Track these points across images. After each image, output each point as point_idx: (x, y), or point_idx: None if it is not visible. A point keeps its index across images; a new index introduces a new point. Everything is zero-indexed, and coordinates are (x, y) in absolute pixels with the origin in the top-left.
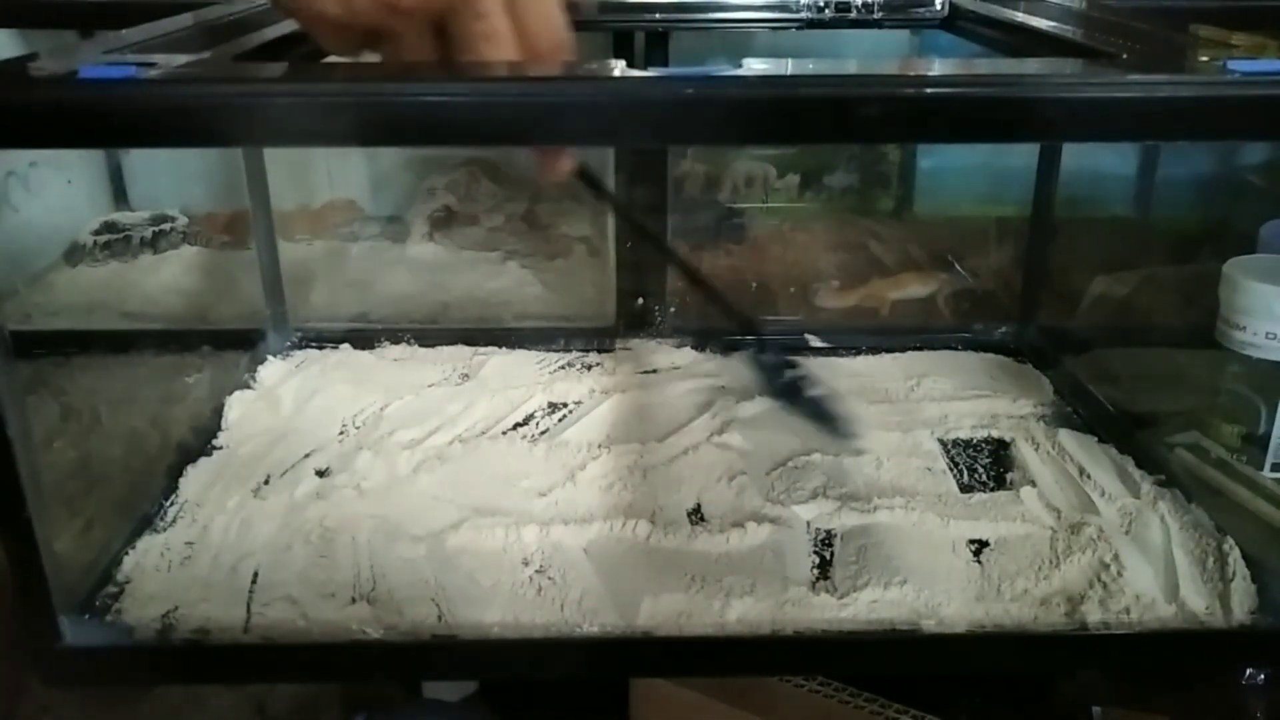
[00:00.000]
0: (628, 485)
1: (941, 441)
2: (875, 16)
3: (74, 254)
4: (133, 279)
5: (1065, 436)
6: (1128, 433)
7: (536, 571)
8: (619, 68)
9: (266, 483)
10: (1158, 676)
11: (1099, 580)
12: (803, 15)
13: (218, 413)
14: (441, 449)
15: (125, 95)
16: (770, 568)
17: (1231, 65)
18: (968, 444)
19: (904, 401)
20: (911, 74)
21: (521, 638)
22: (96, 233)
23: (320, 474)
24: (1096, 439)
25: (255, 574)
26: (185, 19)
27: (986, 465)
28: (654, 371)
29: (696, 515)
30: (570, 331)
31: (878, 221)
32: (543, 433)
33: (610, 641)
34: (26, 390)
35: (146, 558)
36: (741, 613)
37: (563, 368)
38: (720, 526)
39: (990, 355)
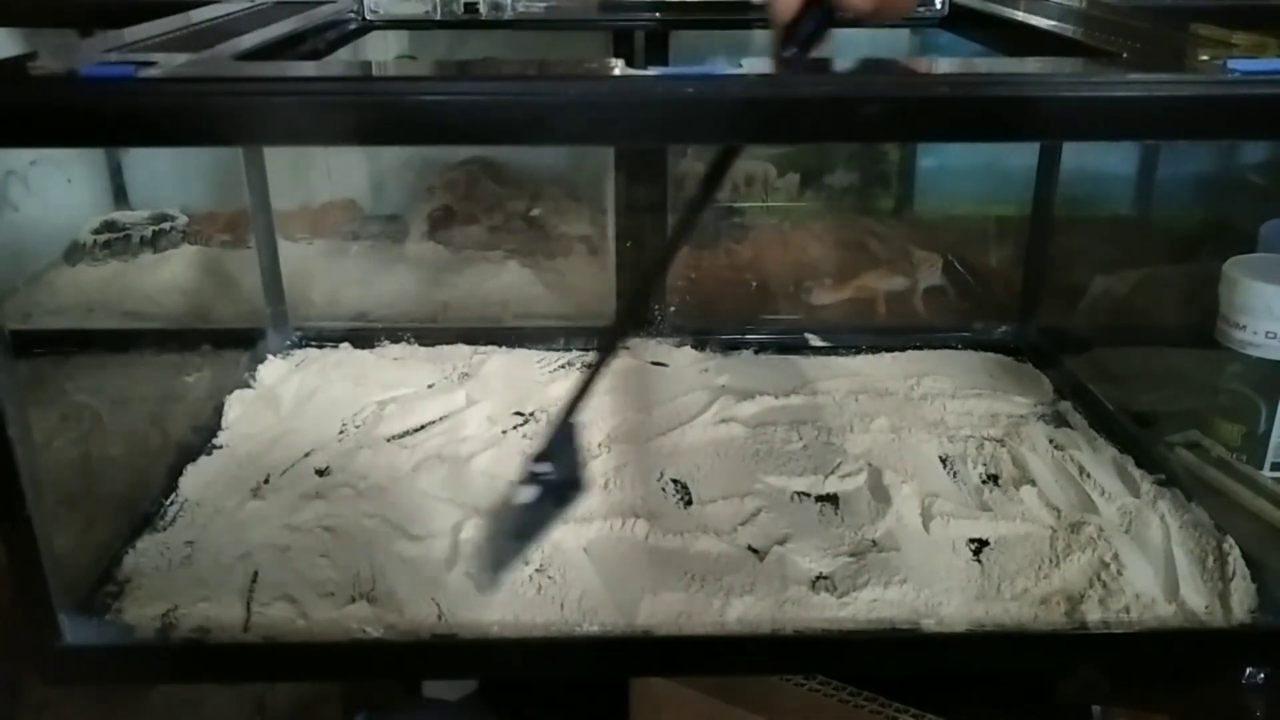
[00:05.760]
0: (627, 484)
1: (941, 440)
2: None
3: (74, 253)
4: (133, 278)
5: (1065, 436)
6: (1128, 432)
7: (536, 570)
8: (619, 68)
9: (266, 482)
10: (1158, 676)
11: (1099, 579)
12: None
13: (218, 412)
14: (441, 449)
15: (125, 95)
16: (770, 567)
17: (1231, 65)
18: (967, 443)
19: (904, 400)
20: (911, 74)
21: (521, 637)
22: (96, 232)
23: (320, 473)
24: (1096, 438)
25: (255, 573)
26: (185, 19)
27: (986, 464)
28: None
29: (696, 513)
30: (570, 331)
31: (878, 220)
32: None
33: (610, 641)
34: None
35: (146, 557)
36: (741, 612)
37: (563, 367)
38: (720, 525)
39: (990, 354)
